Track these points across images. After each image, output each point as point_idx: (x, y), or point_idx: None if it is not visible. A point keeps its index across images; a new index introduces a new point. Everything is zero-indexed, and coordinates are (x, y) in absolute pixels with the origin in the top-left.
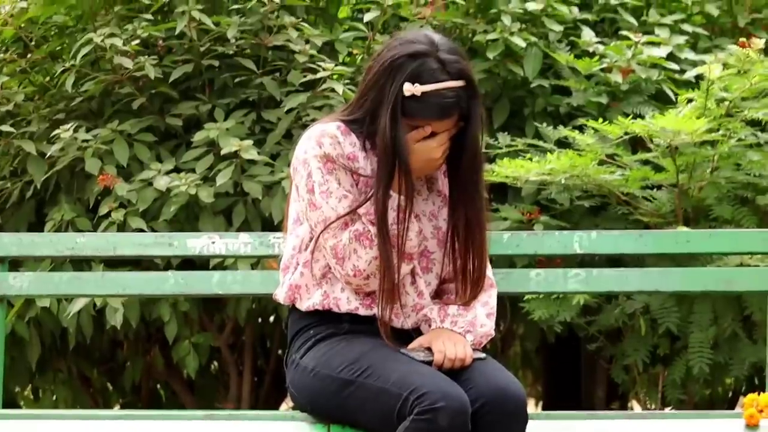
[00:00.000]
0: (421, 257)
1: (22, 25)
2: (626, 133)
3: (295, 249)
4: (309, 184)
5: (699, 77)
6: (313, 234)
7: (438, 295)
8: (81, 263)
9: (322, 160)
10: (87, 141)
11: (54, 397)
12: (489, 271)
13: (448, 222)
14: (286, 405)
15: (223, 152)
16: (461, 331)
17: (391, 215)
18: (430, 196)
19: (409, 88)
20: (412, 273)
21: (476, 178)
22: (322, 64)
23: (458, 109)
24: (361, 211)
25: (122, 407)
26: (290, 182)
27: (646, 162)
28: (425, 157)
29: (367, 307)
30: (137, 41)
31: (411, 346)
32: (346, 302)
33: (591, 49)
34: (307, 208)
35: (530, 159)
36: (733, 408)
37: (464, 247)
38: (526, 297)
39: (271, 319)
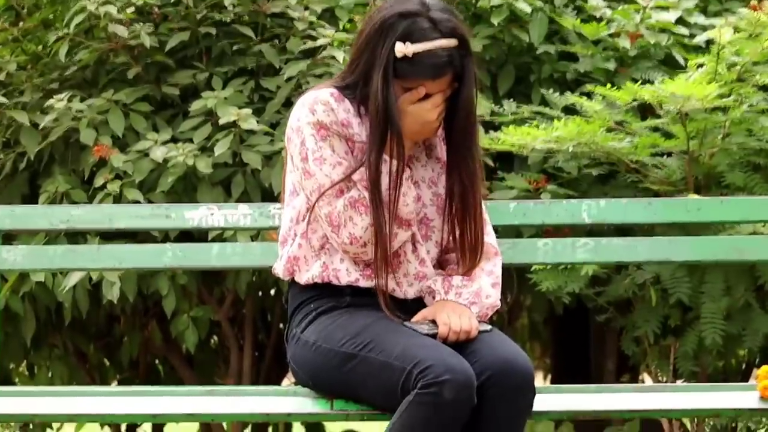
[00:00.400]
0: (421, 225)
1: None
2: (635, 100)
3: (292, 221)
4: (303, 152)
5: (709, 42)
6: (308, 203)
7: (441, 265)
8: (76, 236)
9: (315, 127)
10: (81, 111)
11: (50, 374)
12: (493, 239)
13: (446, 187)
14: (288, 380)
15: (221, 122)
16: (466, 302)
17: (385, 180)
18: (429, 162)
19: (400, 48)
20: (413, 240)
21: (470, 139)
22: (322, 30)
23: (451, 69)
24: (355, 177)
25: (119, 383)
26: (285, 152)
27: (655, 129)
28: (420, 120)
29: (367, 278)
30: (132, 9)
31: (415, 318)
32: (345, 274)
33: (598, 14)
34: (301, 177)
35: (536, 126)
36: (746, 380)
37: (460, 212)
38: (534, 268)
39: (272, 292)
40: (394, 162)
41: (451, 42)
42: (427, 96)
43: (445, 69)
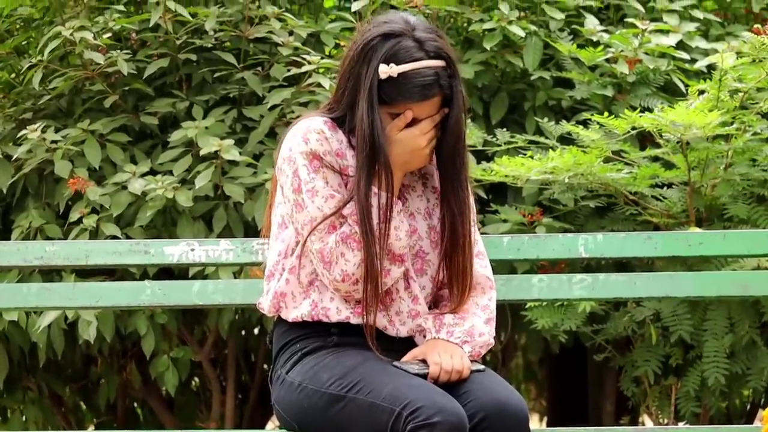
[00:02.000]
0: (416, 258)
1: None
2: (633, 128)
3: (280, 255)
4: (295, 183)
5: (711, 67)
6: (299, 237)
7: (435, 302)
8: (51, 273)
9: (308, 158)
10: (56, 142)
11: (23, 418)
12: (488, 270)
13: (439, 217)
14: (272, 423)
15: (202, 153)
16: (458, 341)
17: (375, 213)
18: (425, 193)
19: (384, 70)
20: (406, 277)
21: (459, 165)
22: (307, 57)
23: (439, 89)
24: (345, 211)
25: (97, 428)
26: (273, 184)
27: (655, 159)
28: (409, 147)
29: (358, 316)
30: (109, 34)
31: (404, 358)
32: (335, 312)
33: (595, 38)
34: (293, 210)
35: (531, 157)
36: (751, 422)
37: (450, 242)
38: (529, 305)
39: (256, 331)
40: (383, 194)
41: (438, 63)
42: (415, 121)
43: (432, 89)
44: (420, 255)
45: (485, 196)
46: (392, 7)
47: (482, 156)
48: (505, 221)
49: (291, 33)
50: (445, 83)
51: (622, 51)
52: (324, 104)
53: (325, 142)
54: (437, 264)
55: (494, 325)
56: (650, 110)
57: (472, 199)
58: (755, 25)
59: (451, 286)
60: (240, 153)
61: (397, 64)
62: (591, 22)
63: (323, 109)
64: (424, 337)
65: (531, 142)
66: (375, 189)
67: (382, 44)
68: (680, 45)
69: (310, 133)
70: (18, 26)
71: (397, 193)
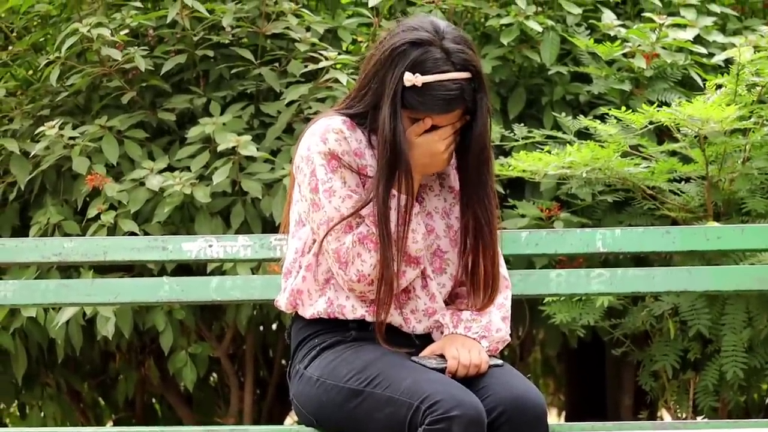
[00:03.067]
0: (434, 257)
1: (2, 15)
2: (651, 123)
3: (297, 252)
4: (312, 183)
5: (728, 61)
6: (315, 236)
7: (451, 299)
8: (69, 270)
9: (326, 158)
10: (74, 138)
11: (42, 414)
12: (504, 270)
13: (460, 222)
14: (291, 419)
15: (219, 149)
16: (476, 336)
17: (394, 216)
18: (442, 192)
19: (409, 78)
20: (423, 275)
21: (484, 178)
22: (324, 53)
23: (462, 103)
24: (364, 212)
25: (115, 424)
26: (291, 181)
27: (672, 153)
28: (428, 152)
29: (374, 314)
30: (126, 31)
31: (423, 353)
32: (351, 311)
33: (612, 33)
34: (309, 209)
35: (549, 151)
36: None
37: (474, 249)
38: (546, 299)
39: (274, 326)
40: (403, 197)
41: (463, 75)
42: (434, 127)
43: (455, 104)
44: (438, 254)
45: (503, 191)
46: (409, 2)
47: (500, 151)
48: (523, 216)
49: (308, 29)
50: (469, 97)
51: (639, 45)
52: (343, 100)
53: (344, 141)
54: (457, 263)
55: (509, 323)
56: (668, 105)
57: (496, 207)
58: None
59: (477, 291)
60: (257, 149)
61: (423, 74)
62: (608, 17)
63: (342, 106)
64: (442, 332)
65: (548, 137)
66: (394, 191)
67: (409, 51)
68: (697, 39)
69: (329, 133)
70: (35, 23)
71: (416, 195)
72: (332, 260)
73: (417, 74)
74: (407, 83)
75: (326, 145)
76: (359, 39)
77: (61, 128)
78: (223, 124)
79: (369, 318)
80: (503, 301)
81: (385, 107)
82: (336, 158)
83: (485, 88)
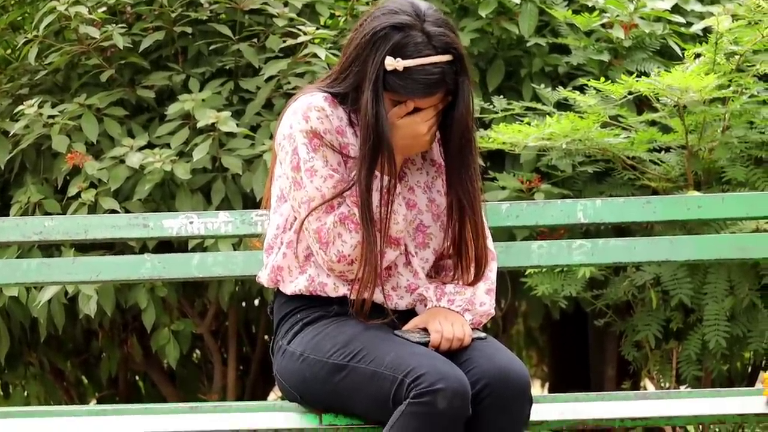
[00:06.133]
0: (417, 232)
1: None
2: (630, 93)
3: (279, 228)
4: (294, 161)
5: (707, 30)
6: (296, 214)
7: (436, 271)
8: (50, 248)
9: (308, 136)
10: (53, 117)
11: (25, 393)
12: (490, 242)
13: (446, 202)
14: (275, 394)
15: (199, 125)
16: (459, 309)
17: (376, 197)
18: (424, 166)
19: (390, 63)
20: (406, 252)
21: (467, 159)
22: (302, 27)
23: (444, 86)
24: (345, 192)
25: (99, 402)
26: (273, 157)
27: (652, 123)
28: (410, 133)
29: (356, 293)
30: (104, 8)
31: (406, 327)
32: (333, 289)
33: (590, 4)
34: (291, 187)
35: (528, 123)
36: (752, 384)
37: (461, 230)
38: (528, 271)
39: (256, 302)
40: (386, 178)
41: (445, 58)
42: (417, 109)
43: (437, 87)
44: (421, 229)
45: (483, 164)
46: None
47: (480, 123)
48: (503, 188)
49: (286, 4)
50: (450, 80)
51: (617, 16)
52: (325, 77)
53: (326, 120)
54: (441, 237)
55: (494, 296)
56: (647, 75)
57: (480, 187)
58: None
59: (467, 268)
60: (237, 125)
61: (404, 58)
62: None
63: (324, 82)
64: (425, 306)
65: (528, 108)
66: (377, 172)
67: (390, 35)
68: (675, 9)
69: (311, 111)
70: (13, 2)
71: (398, 176)
72: (312, 240)
73: (398, 59)
74: (388, 68)
75: (308, 124)
76: (337, 13)
77: (40, 107)
78: (203, 100)
79: (351, 296)
80: (488, 273)
81: (366, 91)
82: (318, 137)
83: (467, 71)
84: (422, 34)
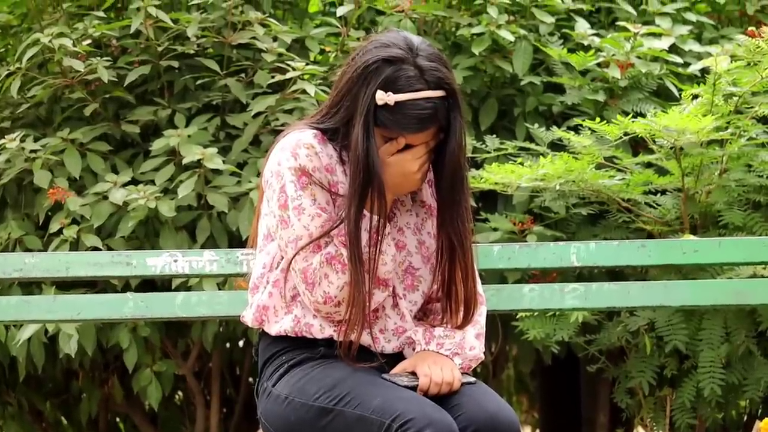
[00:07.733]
0: (406, 274)
1: None
2: (626, 134)
3: (265, 267)
4: (281, 199)
5: (704, 71)
6: (283, 253)
7: (425, 314)
8: (30, 285)
9: (296, 174)
10: (35, 151)
11: None
12: (479, 286)
13: (436, 243)
14: None
15: (184, 161)
16: (448, 353)
17: (365, 237)
18: (414, 207)
19: (381, 97)
20: (394, 294)
21: (458, 197)
22: (291, 63)
23: (436, 122)
24: (333, 231)
25: None
26: (260, 194)
27: (648, 165)
28: (401, 171)
29: (342, 335)
30: (88, 41)
31: (394, 370)
32: (319, 330)
33: (586, 42)
34: (278, 225)
35: (521, 163)
36: None
37: (450, 271)
38: (520, 315)
39: (241, 343)
40: (375, 218)
41: (437, 93)
42: (408, 146)
43: (429, 122)
44: (410, 271)
45: (475, 204)
46: (378, 12)
47: (472, 163)
48: (495, 230)
49: (275, 39)
50: (443, 116)
51: (613, 55)
52: (315, 112)
53: (315, 157)
54: (430, 279)
55: (484, 340)
56: (643, 115)
57: (471, 227)
58: (749, 28)
59: (456, 311)
60: (223, 161)
61: (395, 92)
62: (581, 26)
63: (314, 118)
64: (414, 349)
65: (521, 148)
66: (366, 212)
67: (382, 69)
68: (673, 48)
69: (300, 148)
70: None
71: (387, 216)
72: (299, 280)
73: (389, 92)
74: (379, 102)
75: (297, 161)
76: (327, 49)
77: (22, 141)
78: (188, 136)
79: (337, 338)
80: (477, 318)
81: (357, 126)
82: (306, 174)
83: (460, 107)
84: (415, 68)
